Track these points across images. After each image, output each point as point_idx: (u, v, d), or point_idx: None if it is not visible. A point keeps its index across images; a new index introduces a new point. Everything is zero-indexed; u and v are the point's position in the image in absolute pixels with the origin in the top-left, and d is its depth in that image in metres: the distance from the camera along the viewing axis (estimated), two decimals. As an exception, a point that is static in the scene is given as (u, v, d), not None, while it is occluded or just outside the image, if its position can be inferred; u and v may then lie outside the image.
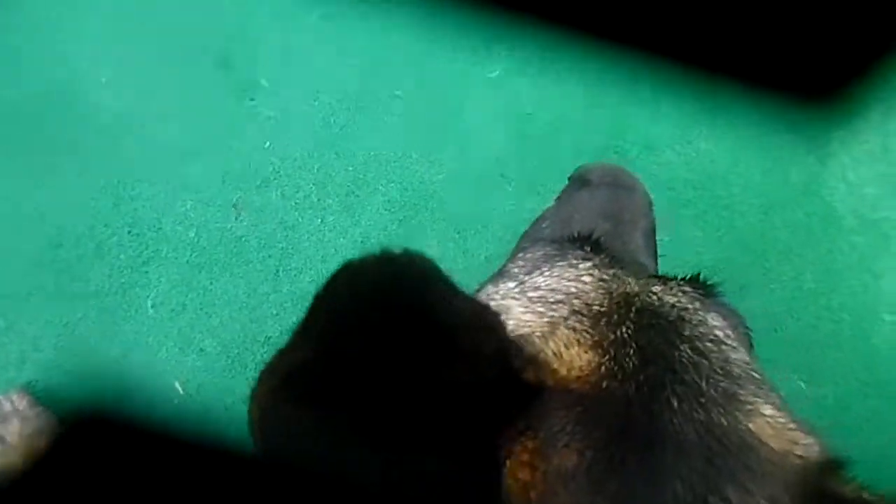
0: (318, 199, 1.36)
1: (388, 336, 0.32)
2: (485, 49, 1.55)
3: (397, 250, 0.35)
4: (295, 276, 1.29)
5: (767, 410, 0.42)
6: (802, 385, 1.30)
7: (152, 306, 1.23)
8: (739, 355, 0.45)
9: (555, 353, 0.41)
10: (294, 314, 1.26)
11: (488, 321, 0.38)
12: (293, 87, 1.45)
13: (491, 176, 1.43)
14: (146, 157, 1.34)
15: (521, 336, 0.44)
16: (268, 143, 1.39)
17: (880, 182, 1.54)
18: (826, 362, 1.34)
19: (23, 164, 1.30)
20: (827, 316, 1.38)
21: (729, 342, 0.46)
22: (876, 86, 1.62)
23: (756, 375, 0.45)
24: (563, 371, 0.40)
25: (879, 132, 1.57)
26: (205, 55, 1.44)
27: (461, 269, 1.32)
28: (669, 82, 1.57)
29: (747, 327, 0.56)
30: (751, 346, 0.56)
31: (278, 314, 1.26)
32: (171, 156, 1.35)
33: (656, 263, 0.72)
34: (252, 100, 1.43)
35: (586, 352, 0.42)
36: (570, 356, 0.41)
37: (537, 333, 0.44)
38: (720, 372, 0.42)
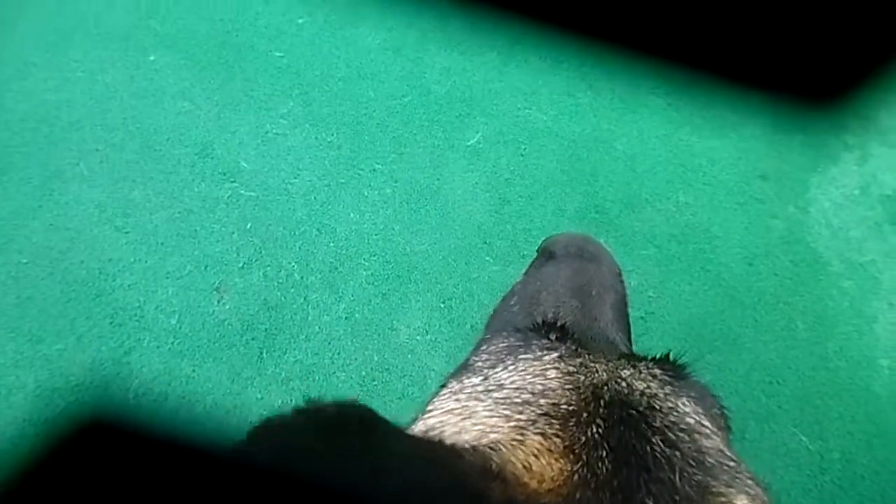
0: (301, 278, 1.36)
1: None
2: (461, 117, 1.58)
3: (323, 402, 0.34)
4: (279, 357, 1.27)
5: (742, 502, 0.40)
6: (805, 440, 1.26)
7: (133, 398, 1.20)
8: (712, 443, 0.44)
9: (524, 466, 0.39)
10: (279, 397, 1.24)
11: (435, 455, 0.36)
12: (274, 167, 1.48)
13: (473, 243, 1.43)
14: (128, 245, 1.34)
15: (488, 446, 0.42)
16: (249, 224, 1.40)
17: (863, 225, 1.54)
18: (828, 414, 1.31)
19: (1, 259, 1.30)
20: (823, 365, 1.36)
21: (701, 429, 0.45)
22: (847, 129, 1.64)
23: (730, 463, 0.43)
24: (534, 484, 0.38)
25: (856, 175, 1.59)
26: (185, 146, 1.47)
27: (447, 339, 1.30)
28: (644, 139, 1.60)
29: (723, 407, 0.55)
30: (727, 427, 0.54)
31: (263, 398, 1.23)
32: (152, 243, 1.35)
33: (629, 335, 0.71)
34: (233, 182, 1.45)
35: (557, 460, 0.40)
36: (540, 467, 0.39)
37: (504, 442, 0.42)
38: (693, 463, 0.41)
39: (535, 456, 0.40)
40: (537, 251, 0.80)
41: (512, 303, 0.71)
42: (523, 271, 0.80)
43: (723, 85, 1.57)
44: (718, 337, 1.39)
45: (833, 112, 1.60)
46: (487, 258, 1.42)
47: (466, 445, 0.42)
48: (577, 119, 1.61)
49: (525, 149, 1.57)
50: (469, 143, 1.56)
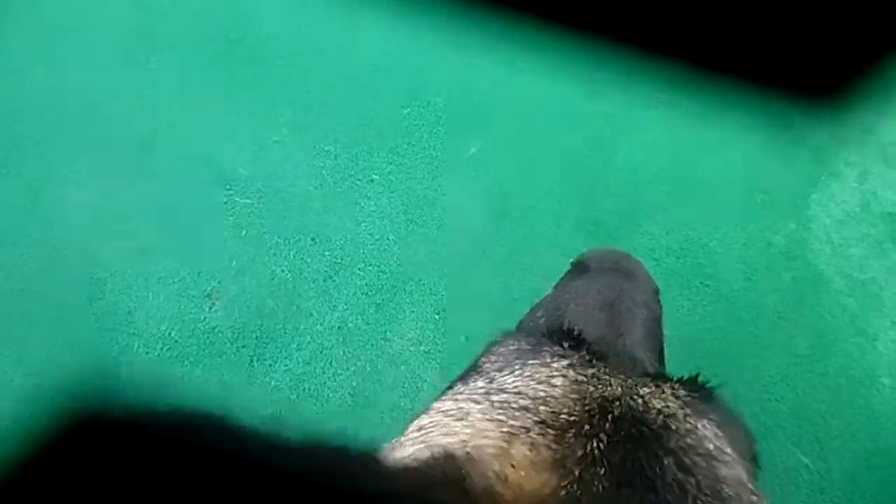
0: (295, 286, 1.34)
1: None
2: (460, 128, 1.58)
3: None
4: (270, 365, 1.25)
5: None
6: (804, 459, 1.23)
7: (120, 403, 1.18)
8: (732, 472, 0.41)
9: (500, 476, 0.37)
10: (267, 406, 1.21)
11: (341, 467, 0.33)
12: (271, 174, 1.47)
13: (470, 254, 1.41)
14: (119, 250, 1.33)
15: (468, 452, 0.40)
16: (244, 231, 1.39)
17: (865, 242, 1.52)
18: (828, 432, 1.28)
19: (-6, 263, 1.29)
20: (823, 382, 1.33)
21: (722, 456, 0.42)
22: (848, 144, 1.63)
23: (752, 498, 0.40)
24: (509, 495, 0.35)
25: (856, 192, 1.57)
26: (182, 150, 1.46)
27: (440, 350, 1.29)
28: (645, 152, 1.59)
29: (752, 439, 0.52)
30: (755, 461, 0.51)
31: (252, 406, 1.21)
32: (144, 248, 1.34)
33: (660, 356, 0.68)
34: (229, 189, 1.44)
35: (540, 472, 0.37)
36: (519, 478, 0.36)
37: (487, 448, 0.40)
38: (708, 493, 0.38)
39: (515, 466, 0.38)
40: (572, 264, 0.78)
41: (539, 314, 0.68)
42: (553, 284, 0.78)
43: (724, 99, 1.57)
44: (717, 353, 1.37)
45: (833, 127, 1.59)
46: (484, 269, 1.40)
47: (451, 449, 0.40)
48: (576, 131, 1.60)
49: (524, 160, 1.56)
50: (468, 155, 1.55)
